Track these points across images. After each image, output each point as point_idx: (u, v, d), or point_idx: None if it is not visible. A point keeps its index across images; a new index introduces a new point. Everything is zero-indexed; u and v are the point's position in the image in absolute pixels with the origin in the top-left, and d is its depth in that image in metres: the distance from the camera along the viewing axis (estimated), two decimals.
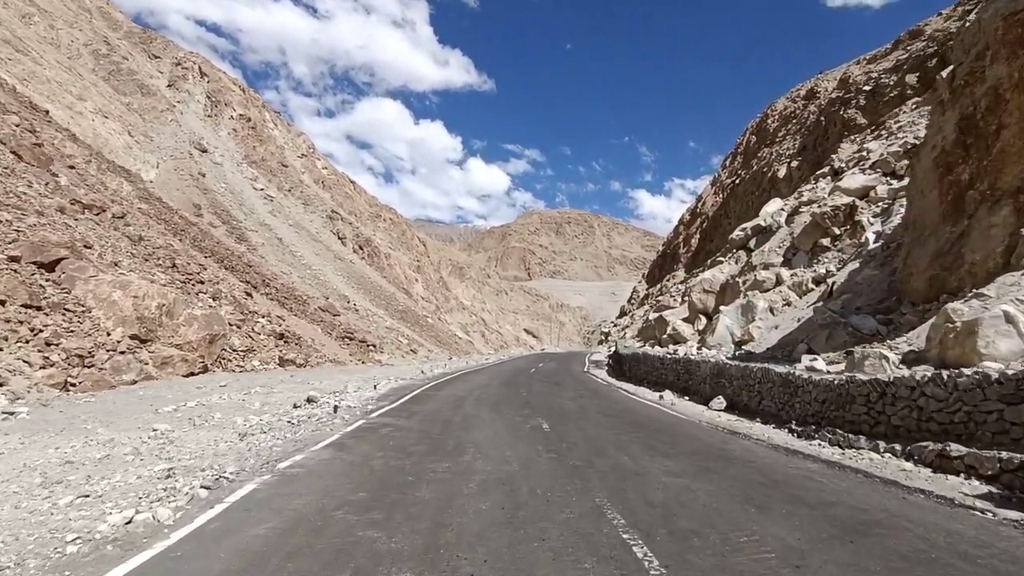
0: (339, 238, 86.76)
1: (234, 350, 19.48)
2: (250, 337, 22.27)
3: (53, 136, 39.53)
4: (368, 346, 44.96)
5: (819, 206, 24.81)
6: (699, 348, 22.08)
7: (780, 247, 26.16)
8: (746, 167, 62.84)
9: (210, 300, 24.35)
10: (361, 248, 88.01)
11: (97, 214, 26.24)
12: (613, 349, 36.57)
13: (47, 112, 45.58)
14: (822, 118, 44.56)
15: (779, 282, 22.55)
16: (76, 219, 23.03)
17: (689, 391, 16.43)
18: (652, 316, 40.34)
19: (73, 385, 12.56)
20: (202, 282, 26.24)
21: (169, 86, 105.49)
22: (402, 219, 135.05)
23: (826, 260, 21.83)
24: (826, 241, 22.93)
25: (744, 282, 25.05)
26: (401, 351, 49.17)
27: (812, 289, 20.09)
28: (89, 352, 13.68)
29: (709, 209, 69.37)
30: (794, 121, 54.58)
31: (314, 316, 45.18)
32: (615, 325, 55.42)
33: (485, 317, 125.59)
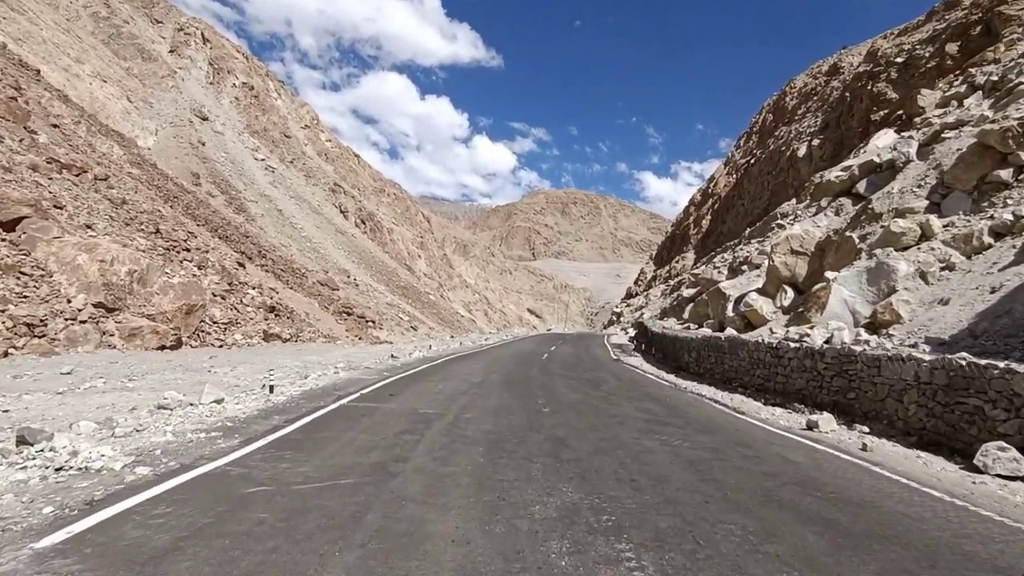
0: (341, 211, 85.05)
1: (214, 322, 18.03)
2: (235, 309, 20.80)
3: (40, 95, 37.77)
4: (367, 322, 43.58)
5: (993, 121, 17.48)
6: (795, 332, 15.04)
7: (920, 187, 19.13)
8: (762, 146, 60.61)
9: (195, 269, 22.85)
10: (363, 222, 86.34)
11: (77, 175, 24.66)
12: (638, 330, 34.91)
13: (38, 72, 43.72)
14: (847, 94, 42.34)
15: (926, 235, 16.09)
16: (50, 178, 21.45)
17: (842, 409, 9.83)
18: (688, 292, 37.28)
19: (11, 355, 11.11)
20: (188, 250, 24.72)
21: (171, 52, 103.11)
22: (406, 195, 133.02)
23: (1011, 201, 15.24)
24: (1005, 173, 15.87)
25: (863, 237, 18.53)
26: (401, 328, 47.79)
27: (990, 245, 14.15)
28: (41, 320, 12.21)
29: (722, 190, 67.28)
30: (815, 98, 52.27)
31: (311, 290, 43.74)
32: (628, 305, 54.05)
33: (488, 296, 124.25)
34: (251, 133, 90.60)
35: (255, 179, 76.08)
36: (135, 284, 15.54)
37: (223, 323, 18.40)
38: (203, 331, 17.37)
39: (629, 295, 77.83)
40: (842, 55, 54.72)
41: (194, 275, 21.80)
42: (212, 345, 17.09)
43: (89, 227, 19.03)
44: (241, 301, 24.39)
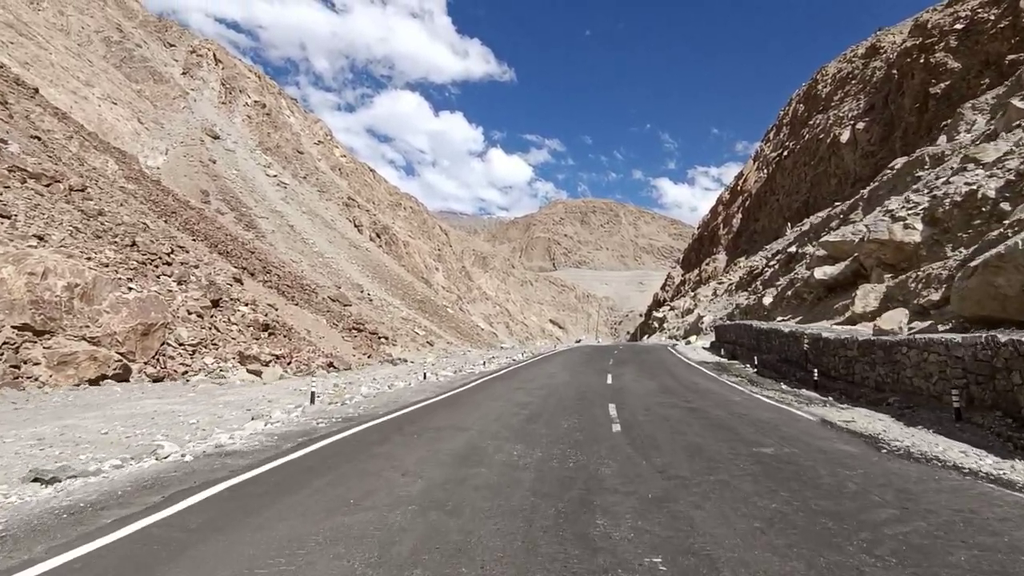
0: (355, 226, 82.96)
1: (180, 344, 15.21)
2: (213, 328, 17.97)
3: (30, 110, 35.93)
4: (379, 338, 40.76)
5: None
6: None
7: None
8: (794, 138, 56.86)
9: (172, 283, 20.12)
10: (378, 236, 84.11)
11: (47, 184, 22.27)
12: (734, 338, 27.12)
13: (36, 90, 42.03)
14: (893, 72, 38.58)
15: None
16: (7, 187, 18.97)
17: None
18: (807, 273, 26.46)
19: None
20: (169, 264, 22.04)
21: (183, 73, 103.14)
22: (423, 208, 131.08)
23: None
24: None
25: None
26: (416, 343, 44.88)
27: None
28: None
29: (752, 186, 63.46)
30: (854, 82, 48.49)
31: (320, 306, 41.09)
32: (672, 309, 50.16)
33: (510, 308, 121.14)
34: (263, 150, 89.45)
35: (266, 195, 74.40)
36: (76, 301, 12.77)
37: (191, 345, 15.56)
38: (165, 355, 14.54)
39: (658, 302, 74.06)
40: (880, 36, 50.90)
41: (170, 290, 19.04)
42: (174, 373, 14.21)
43: (41, 238, 16.37)
44: (229, 319, 21.61)
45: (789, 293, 27.48)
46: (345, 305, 47.95)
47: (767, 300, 29.38)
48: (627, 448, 7.47)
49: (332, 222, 79.12)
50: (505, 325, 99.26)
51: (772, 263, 36.89)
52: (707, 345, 31.47)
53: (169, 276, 20.74)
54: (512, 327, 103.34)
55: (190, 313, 17.79)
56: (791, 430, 8.83)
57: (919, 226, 18.87)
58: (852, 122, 41.65)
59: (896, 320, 14.55)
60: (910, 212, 19.99)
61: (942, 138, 24.92)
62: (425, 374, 17.71)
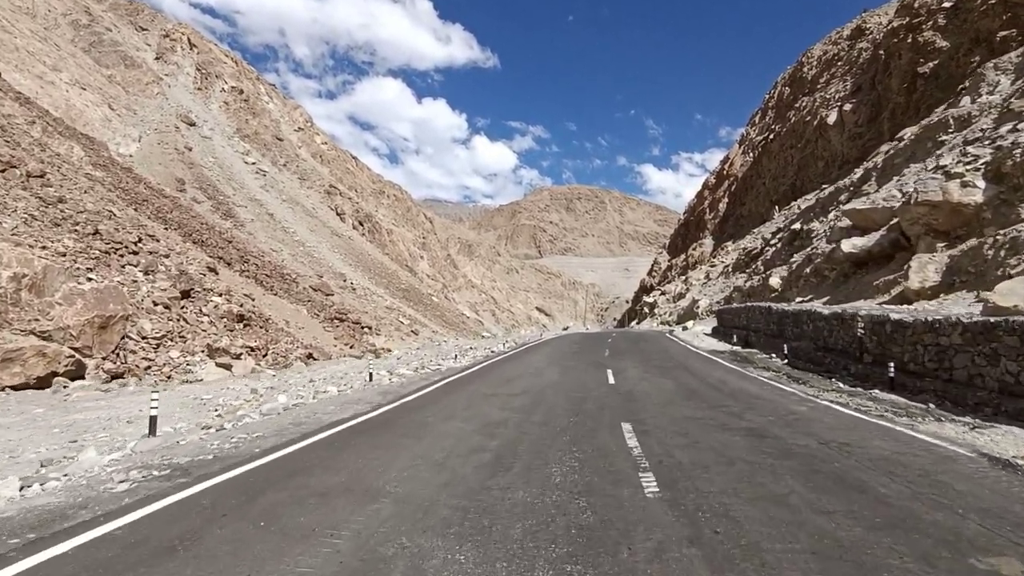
0: (337, 214, 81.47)
1: (143, 337, 14.28)
2: (182, 320, 17.03)
3: None
4: (362, 328, 39.86)
5: None
6: None
7: None
8: (780, 121, 56.47)
9: (139, 273, 19.11)
10: (361, 224, 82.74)
11: (2, 170, 21.05)
12: (728, 320, 26.36)
13: None
14: (880, 52, 38.12)
15: None
16: None
17: None
18: (832, 246, 23.42)
19: None
20: (135, 253, 20.98)
21: (156, 58, 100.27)
22: (407, 196, 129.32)
23: None
24: None
25: None
26: (401, 333, 44.03)
27: None
28: None
29: (738, 170, 63.08)
30: (840, 64, 48.04)
31: (301, 296, 40.05)
32: (663, 294, 49.27)
33: (495, 295, 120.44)
34: (241, 137, 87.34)
35: (245, 183, 72.62)
36: (24, 293, 11.80)
37: (155, 338, 14.63)
38: (126, 349, 13.63)
39: (645, 288, 73.76)
40: (865, 17, 50.45)
41: (135, 280, 18.04)
42: (135, 368, 13.29)
43: None
44: (200, 311, 20.66)
45: (808, 271, 24.79)
46: (327, 295, 46.89)
47: (775, 280, 27.18)
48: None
49: (313, 210, 77.56)
50: (491, 313, 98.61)
51: (773, 242, 35.48)
52: (708, 331, 28.95)
53: (135, 266, 19.71)
54: (498, 315, 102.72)
55: (156, 304, 16.82)
56: (973, 491, 4.96)
57: (980, 184, 15.93)
58: (839, 104, 41.23)
59: (1020, 293, 11.27)
60: (968, 168, 17.08)
61: (965, 100, 23.15)
62: (371, 375, 13.80)
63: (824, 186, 36.55)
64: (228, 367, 14.86)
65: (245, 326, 22.62)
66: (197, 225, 40.59)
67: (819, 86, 48.98)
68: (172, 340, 15.09)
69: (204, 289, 23.47)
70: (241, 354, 16.62)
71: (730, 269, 40.67)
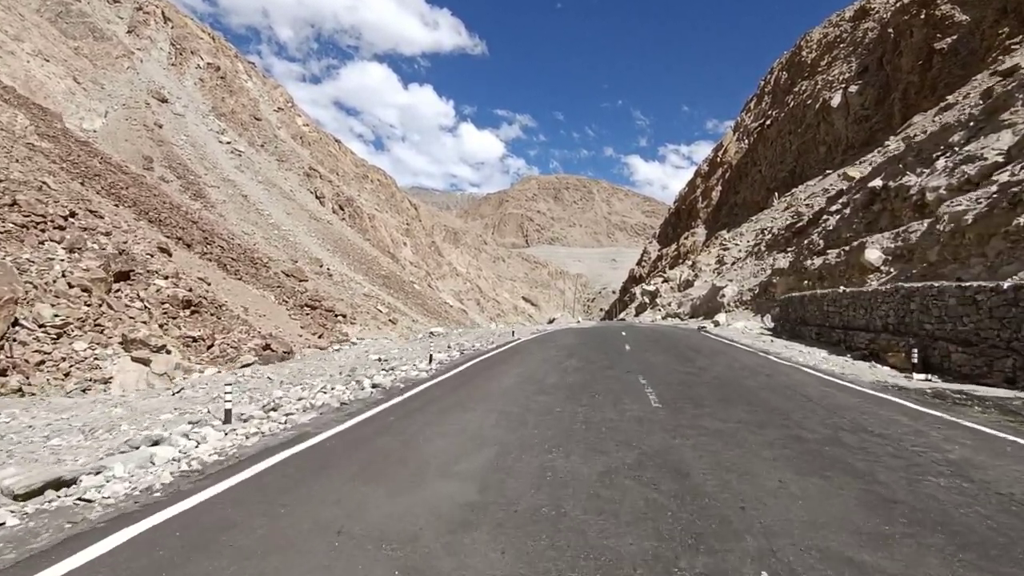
0: (317, 197, 78.35)
1: (40, 325, 11.75)
2: (105, 306, 14.46)
3: None
4: (335, 316, 37.33)
5: None
6: None
7: None
8: (777, 106, 54.44)
9: (61, 250, 16.46)
10: (342, 208, 79.72)
11: None
12: (788, 310, 20.35)
13: None
14: (889, 30, 35.99)
15: None
16: None
17: None
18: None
19: None
20: (62, 228, 18.26)
21: (129, 32, 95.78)
22: (391, 181, 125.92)
23: None
24: None
25: None
26: (378, 321, 41.54)
27: None
28: None
29: (733, 157, 61.02)
30: (842, 45, 45.94)
31: (270, 281, 37.38)
32: (666, 281, 45.14)
33: (481, 284, 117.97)
34: (217, 115, 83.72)
35: (218, 163, 69.31)
36: None
37: (55, 326, 12.08)
38: (16, 339, 11.11)
39: (634, 278, 71.72)
40: None
41: (50, 258, 15.41)
42: (24, 364, 10.75)
43: None
44: (137, 295, 18.08)
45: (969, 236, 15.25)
46: (301, 280, 44.23)
47: (873, 255, 18.79)
48: None
49: (291, 193, 74.43)
50: (476, 302, 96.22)
51: (834, 209, 26.63)
52: (765, 328, 22.60)
53: (58, 242, 17.02)
54: (483, 304, 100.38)
55: (72, 287, 14.21)
56: None
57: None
58: (843, 86, 39.16)
59: None
60: None
61: None
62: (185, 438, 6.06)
63: (827, 171, 34.41)
64: (146, 362, 12.38)
65: (192, 313, 20.05)
66: (157, 204, 37.66)
67: (820, 69, 46.93)
68: (82, 329, 12.57)
69: (148, 271, 20.83)
70: (166, 346, 14.09)
71: (763, 247, 34.14)
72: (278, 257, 49.55)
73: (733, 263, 37.29)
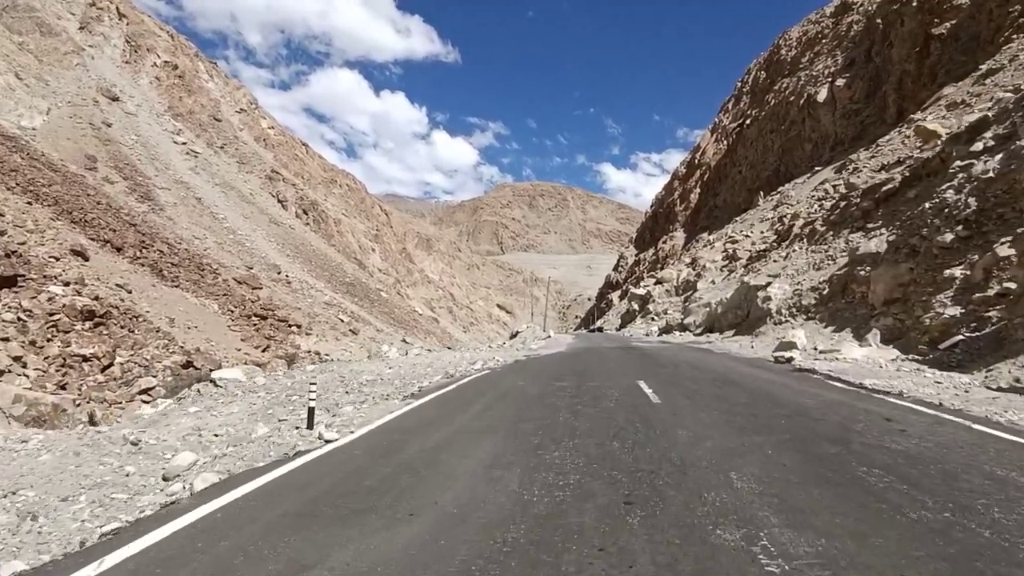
0: (279, 200, 74.52)
1: None
2: None
3: None
4: (288, 327, 33.96)
5: None
6: None
7: None
8: (757, 106, 52.85)
9: None
10: (305, 212, 76.00)
11: None
12: None
13: None
14: (877, 21, 34.30)
15: None
16: None
17: None
18: None
19: None
20: None
21: (81, 28, 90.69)
22: (361, 186, 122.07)
23: None
24: None
25: None
26: (337, 332, 38.24)
27: None
28: None
29: (711, 159, 59.29)
30: (824, 41, 44.42)
31: (215, 289, 33.87)
32: (659, 283, 38.43)
33: (454, 292, 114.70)
34: (173, 115, 79.40)
35: (171, 164, 65.15)
36: None
37: None
38: None
39: (611, 284, 69.44)
40: None
41: None
42: None
43: None
44: (20, 305, 14.74)
45: None
46: (254, 288, 40.68)
47: None
48: None
49: (251, 196, 70.48)
50: (448, 310, 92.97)
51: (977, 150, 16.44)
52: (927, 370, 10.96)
53: None
54: (456, 312, 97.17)
55: None
56: None
57: None
58: (829, 80, 37.46)
59: None
60: None
61: None
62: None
63: (816, 168, 32.28)
64: None
65: (96, 325, 16.70)
66: (86, 203, 33.92)
67: (802, 66, 45.38)
68: None
69: (43, 276, 17.43)
70: (11, 368, 10.87)
71: (820, 225, 23.83)
72: (231, 263, 45.89)
73: (760, 255, 28.22)
